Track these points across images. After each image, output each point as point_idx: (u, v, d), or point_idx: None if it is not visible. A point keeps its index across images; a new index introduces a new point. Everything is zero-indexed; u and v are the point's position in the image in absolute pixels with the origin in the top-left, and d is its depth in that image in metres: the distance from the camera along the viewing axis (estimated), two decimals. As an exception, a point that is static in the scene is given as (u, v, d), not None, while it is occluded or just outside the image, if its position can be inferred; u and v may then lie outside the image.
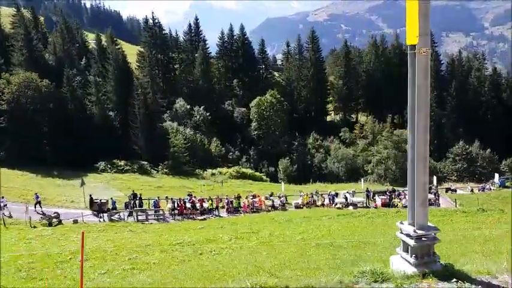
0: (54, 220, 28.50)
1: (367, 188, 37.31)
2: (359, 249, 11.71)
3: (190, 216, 31.14)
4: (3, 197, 34.71)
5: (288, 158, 64.63)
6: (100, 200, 31.08)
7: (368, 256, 9.54)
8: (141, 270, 12.87)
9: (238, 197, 33.15)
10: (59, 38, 69.09)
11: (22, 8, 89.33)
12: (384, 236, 13.83)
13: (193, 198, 32.55)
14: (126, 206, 32.32)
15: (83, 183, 33.79)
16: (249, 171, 60.16)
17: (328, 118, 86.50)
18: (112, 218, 29.57)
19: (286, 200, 34.43)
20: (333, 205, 33.28)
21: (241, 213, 32.02)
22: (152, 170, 59.18)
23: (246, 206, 33.15)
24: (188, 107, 70.66)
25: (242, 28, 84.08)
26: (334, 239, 14.23)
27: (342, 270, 6.88)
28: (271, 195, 34.82)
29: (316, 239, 15.15)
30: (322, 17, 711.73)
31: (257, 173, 60.17)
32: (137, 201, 32.56)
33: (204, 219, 29.88)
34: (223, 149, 66.89)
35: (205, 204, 32.55)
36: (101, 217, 30.15)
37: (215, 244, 16.46)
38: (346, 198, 34.76)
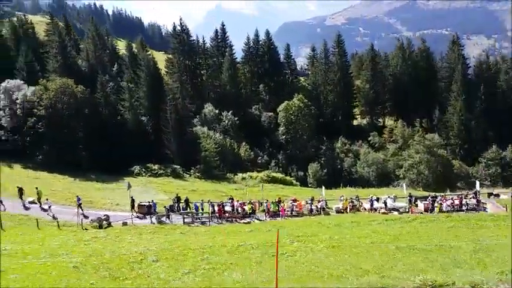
0: (104, 222, 29.33)
1: (410, 193, 37.08)
2: (444, 253, 11.83)
3: (229, 219, 31.60)
4: (47, 199, 35.98)
5: (317, 162, 64.61)
6: (149, 202, 31.87)
7: (464, 260, 9.68)
8: (222, 269, 13.25)
9: (279, 201, 33.42)
10: (91, 45, 70.94)
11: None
12: (457, 240, 13.90)
13: (234, 202, 32.98)
14: (171, 208, 32.96)
15: (129, 187, 34.58)
16: (279, 175, 60.41)
17: (355, 122, 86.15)
18: (161, 220, 30.21)
19: (327, 205, 34.53)
20: (374, 210, 33.22)
21: (281, 217, 32.25)
22: (184, 174, 60.12)
23: (284, 210, 33.41)
24: (217, 111, 71.51)
25: (268, 33, 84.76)
26: (407, 243, 14.34)
27: (468, 271, 7.08)
28: (311, 200, 34.95)
29: (385, 243, 15.28)
30: (340, 20, 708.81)
31: (287, 177, 60.37)
32: (181, 204, 33.20)
33: (248, 222, 30.27)
34: (252, 153, 67.37)
35: (245, 208, 32.98)
36: (146, 219, 30.88)
37: (279, 247, 16.72)
38: (385, 203, 34.64)
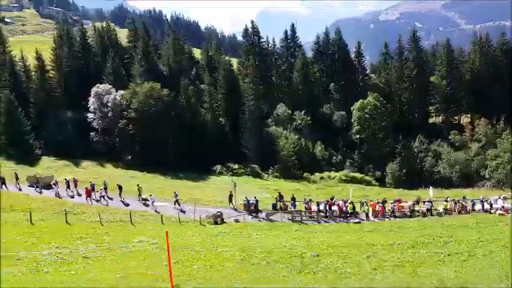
0: (219, 219, 30.80)
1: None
2: None
3: (337, 218, 31.94)
4: (151, 195, 38.42)
5: (396, 162, 63.26)
6: (257, 200, 33.01)
7: None
8: (415, 266, 13.58)
9: (384, 202, 33.30)
10: (171, 50, 74.23)
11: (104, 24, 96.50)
12: None
13: (339, 202, 33.30)
14: (274, 206, 33.97)
15: (235, 185, 36.02)
16: (358, 175, 60.04)
17: (429, 120, 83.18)
18: (269, 218, 31.22)
19: (432, 205, 33.88)
20: (485, 211, 32.14)
21: (387, 217, 32.12)
22: (263, 173, 61.40)
23: (384, 210, 33.21)
24: (289, 111, 72.14)
25: (338, 31, 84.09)
26: None
27: None
28: (417, 201, 34.48)
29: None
30: (395, 15, 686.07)
31: (367, 177, 59.76)
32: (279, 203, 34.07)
33: (359, 222, 30.47)
34: (327, 153, 67.30)
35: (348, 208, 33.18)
36: (255, 216, 32.02)
37: (435, 247, 16.88)
38: (491, 204, 33.40)
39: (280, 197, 34.68)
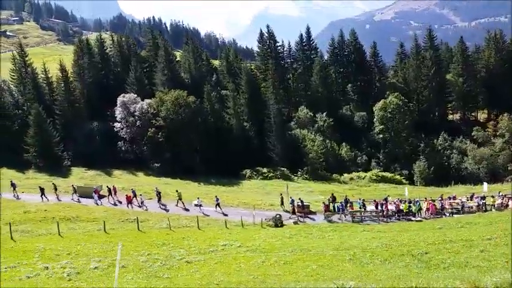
0: (279, 222, 31.08)
1: None
2: None
3: (398, 217, 32.26)
4: (198, 198, 38.85)
5: (424, 160, 63.72)
6: (309, 203, 33.38)
7: None
8: None
9: (442, 199, 33.67)
10: (191, 58, 74.68)
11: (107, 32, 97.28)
12: None
13: (396, 200, 33.66)
14: (327, 208, 34.27)
15: (287, 188, 36.35)
16: (388, 174, 60.35)
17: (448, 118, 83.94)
18: (329, 219, 31.54)
19: (485, 201, 34.26)
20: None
21: (445, 215, 32.46)
22: (292, 176, 61.71)
23: (435, 208, 33.58)
24: (311, 114, 72.62)
25: (354, 33, 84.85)
26: None
27: None
28: (472, 197, 34.86)
29: None
30: (390, 15, 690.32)
31: (397, 177, 60.12)
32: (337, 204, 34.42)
33: (420, 220, 30.83)
34: (351, 153, 67.72)
35: (402, 207, 33.55)
36: (311, 218, 32.34)
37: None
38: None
39: (333, 198, 35.03)
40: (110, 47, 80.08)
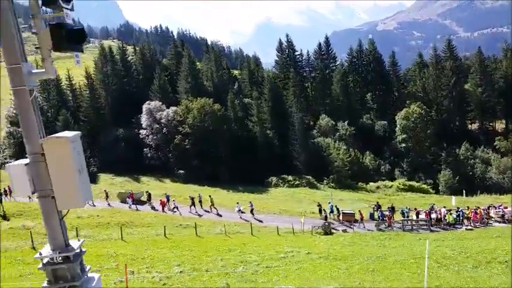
0: (328, 229, 31.14)
1: None
2: None
3: (445, 226, 32.32)
4: (238, 203, 39.19)
5: (448, 169, 63.78)
6: (353, 211, 33.48)
7: None
8: None
9: (487, 208, 33.75)
10: (214, 66, 75.19)
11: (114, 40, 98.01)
12: None
13: (442, 210, 33.71)
14: (371, 216, 34.36)
15: (331, 196, 36.42)
16: (415, 183, 60.40)
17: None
18: (379, 227, 31.59)
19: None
20: None
21: (490, 224, 32.54)
22: (318, 184, 61.79)
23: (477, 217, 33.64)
24: (333, 122, 72.88)
25: (372, 42, 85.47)
26: None
27: None
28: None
29: None
30: (392, 25, 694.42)
31: (424, 186, 60.16)
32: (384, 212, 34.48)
33: (471, 229, 30.87)
34: (375, 162, 67.84)
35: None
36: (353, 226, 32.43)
37: None
38: None
39: (378, 206, 35.09)
40: (132, 55, 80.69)
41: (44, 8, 3.99)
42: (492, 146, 73.05)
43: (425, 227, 31.64)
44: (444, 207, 34.40)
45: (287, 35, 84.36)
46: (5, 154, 63.47)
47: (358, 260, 20.03)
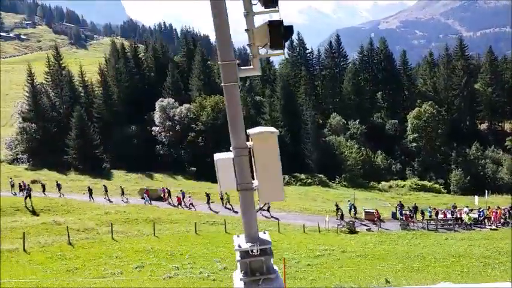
0: (353, 228, 31.23)
1: None
2: None
3: (452, 226, 32.45)
4: (259, 200, 39.10)
5: (459, 169, 63.86)
6: (375, 210, 33.57)
7: None
8: None
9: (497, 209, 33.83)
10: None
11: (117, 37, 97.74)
12: None
13: (465, 209, 33.80)
14: (394, 215, 34.47)
15: (354, 196, 36.52)
16: (427, 183, 60.52)
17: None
18: (406, 226, 31.67)
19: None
20: None
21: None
22: (330, 183, 61.88)
23: (497, 217, 33.73)
24: (344, 121, 72.95)
25: (384, 41, 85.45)
26: None
27: None
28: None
29: None
30: (395, 24, 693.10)
31: (436, 185, 60.27)
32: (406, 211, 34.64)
33: (495, 229, 30.99)
34: (386, 161, 67.92)
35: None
36: (379, 226, 32.52)
37: None
38: None
39: (401, 206, 35.18)
40: (143, 52, 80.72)
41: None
42: (503, 146, 73.26)
43: (448, 226, 31.74)
44: (467, 206, 34.52)
45: (298, 33, 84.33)
46: (16, 150, 63.45)
47: (397, 258, 20.14)
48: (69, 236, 21.60)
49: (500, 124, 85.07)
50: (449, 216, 32.81)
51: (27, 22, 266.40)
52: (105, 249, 20.91)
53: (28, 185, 33.61)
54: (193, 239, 24.51)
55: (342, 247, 23.62)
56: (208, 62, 74.19)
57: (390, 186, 60.37)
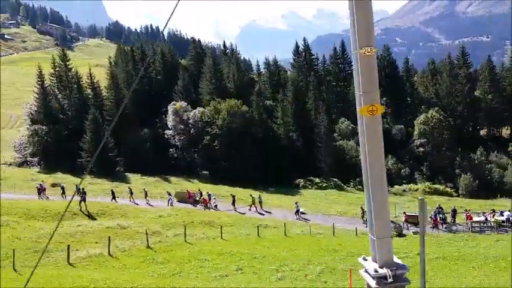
0: (399, 231, 31.75)
1: None
2: None
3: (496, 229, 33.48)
4: (296, 203, 39.40)
5: (468, 173, 65.56)
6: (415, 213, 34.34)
7: None
8: None
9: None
10: (235, 69, 75.17)
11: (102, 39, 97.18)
12: None
13: (507, 212, 34.84)
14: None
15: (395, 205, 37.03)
16: (440, 187, 61.88)
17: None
18: (451, 229, 32.40)
19: None
20: None
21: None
22: (345, 186, 62.57)
23: None
24: (353, 126, 73.91)
25: (387, 48, 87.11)
26: None
27: None
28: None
29: None
30: (376, 31, 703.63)
31: (448, 189, 61.68)
32: (442, 215, 35.42)
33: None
34: (398, 166, 69.09)
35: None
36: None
37: None
38: None
39: (440, 208, 35.92)
40: (151, 55, 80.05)
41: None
42: (504, 151, 75.69)
43: (489, 228, 32.73)
44: (509, 210, 35.60)
45: (304, 39, 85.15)
46: (25, 153, 61.84)
47: (475, 260, 20.69)
48: (148, 240, 21.32)
49: (498, 130, 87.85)
50: (489, 218, 33.74)
51: (11, 22, 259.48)
52: (188, 252, 20.73)
53: (83, 188, 32.82)
54: (261, 242, 24.53)
55: (407, 250, 24.02)
56: (220, 67, 74.16)
57: (404, 190, 61.44)
